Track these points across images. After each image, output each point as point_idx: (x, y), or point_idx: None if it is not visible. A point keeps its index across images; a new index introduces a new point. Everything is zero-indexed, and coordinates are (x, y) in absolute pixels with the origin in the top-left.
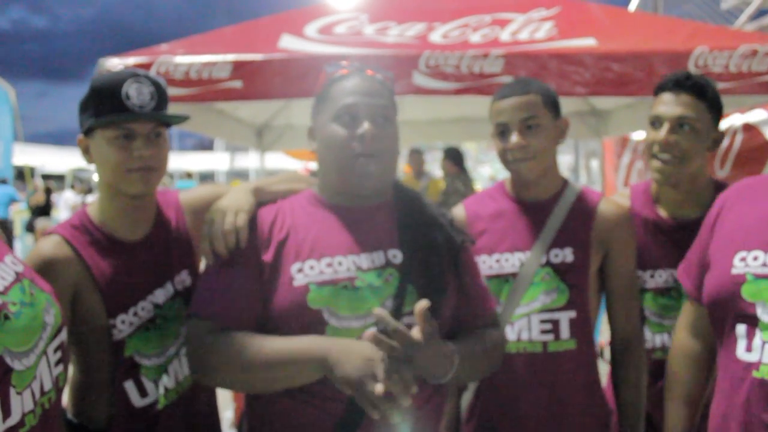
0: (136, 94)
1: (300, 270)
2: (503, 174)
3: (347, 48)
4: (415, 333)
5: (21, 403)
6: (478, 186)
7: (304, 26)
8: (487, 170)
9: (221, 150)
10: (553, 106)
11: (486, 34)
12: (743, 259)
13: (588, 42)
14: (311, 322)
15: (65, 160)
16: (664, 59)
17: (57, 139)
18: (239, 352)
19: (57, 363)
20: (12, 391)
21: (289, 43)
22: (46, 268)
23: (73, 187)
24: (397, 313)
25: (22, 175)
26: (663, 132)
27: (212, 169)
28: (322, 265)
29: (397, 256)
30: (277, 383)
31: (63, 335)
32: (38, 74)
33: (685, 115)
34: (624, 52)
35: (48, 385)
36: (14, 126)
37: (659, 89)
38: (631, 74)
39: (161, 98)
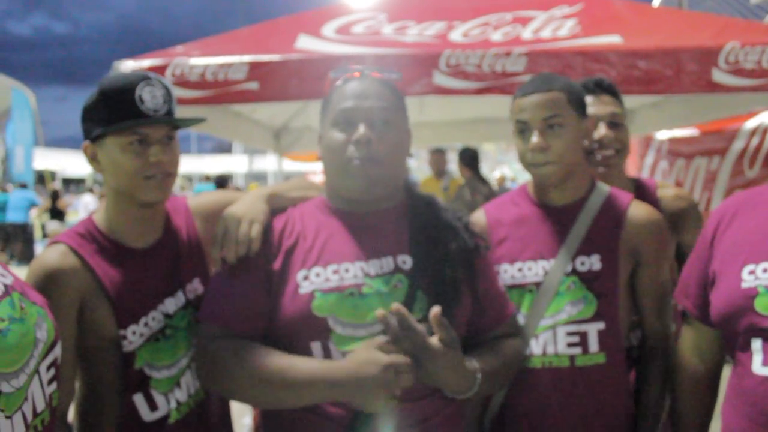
0: (150, 97)
1: (306, 277)
2: (523, 175)
3: (365, 48)
4: (433, 341)
5: (11, 428)
6: (497, 188)
7: (322, 26)
8: (506, 171)
9: (239, 153)
10: (579, 105)
11: (507, 32)
12: (752, 272)
13: (613, 39)
14: (316, 330)
15: (85, 163)
16: (693, 56)
17: (77, 143)
18: (245, 367)
19: (50, 381)
20: (1, 416)
21: (306, 43)
22: (50, 279)
23: (91, 190)
24: (405, 320)
25: (42, 179)
26: (603, 130)
27: (231, 172)
28: (328, 272)
29: (406, 261)
30: (282, 404)
31: (57, 351)
32: (59, 79)
33: (616, 112)
34: (651, 49)
35: (41, 406)
36: (35, 131)
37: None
38: (658, 72)
39: (172, 101)
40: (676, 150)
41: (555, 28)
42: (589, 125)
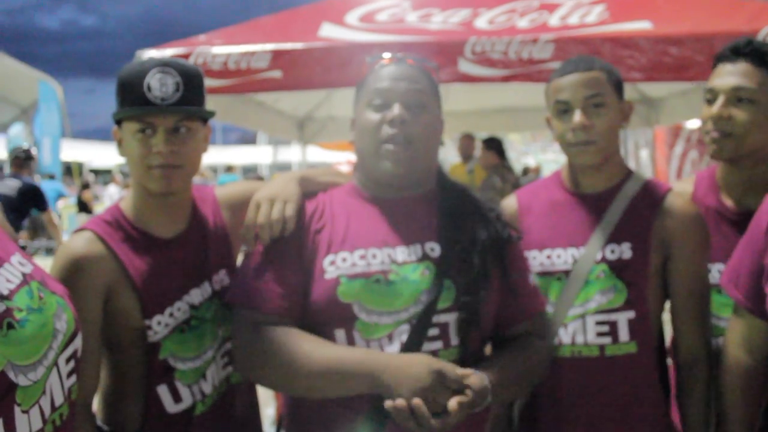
0: (158, 85)
1: (332, 262)
2: (548, 165)
3: (389, 36)
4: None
5: (28, 423)
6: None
7: (345, 14)
8: (531, 161)
9: (264, 143)
10: (618, 87)
11: (534, 18)
12: None
13: (643, 25)
14: (341, 317)
15: (112, 155)
16: (726, 41)
17: (104, 134)
18: (287, 354)
19: (70, 374)
20: (17, 410)
21: (329, 31)
22: (76, 266)
23: (114, 180)
24: (431, 308)
25: (70, 170)
26: (717, 106)
27: (255, 163)
28: (355, 257)
29: (435, 249)
30: (323, 392)
31: (77, 343)
32: (87, 71)
33: (742, 85)
34: (682, 34)
35: (59, 400)
36: (62, 122)
37: (716, 61)
38: (690, 58)
39: (189, 90)
40: None
41: (583, 15)
42: (626, 109)
